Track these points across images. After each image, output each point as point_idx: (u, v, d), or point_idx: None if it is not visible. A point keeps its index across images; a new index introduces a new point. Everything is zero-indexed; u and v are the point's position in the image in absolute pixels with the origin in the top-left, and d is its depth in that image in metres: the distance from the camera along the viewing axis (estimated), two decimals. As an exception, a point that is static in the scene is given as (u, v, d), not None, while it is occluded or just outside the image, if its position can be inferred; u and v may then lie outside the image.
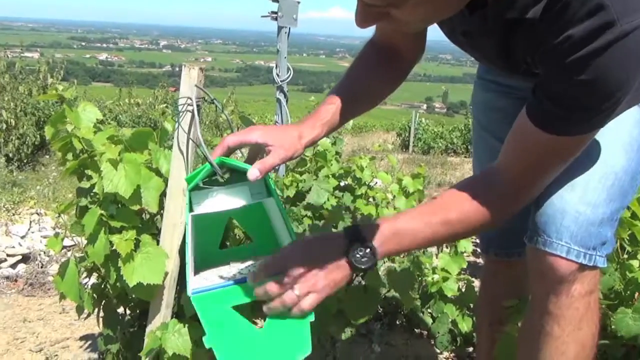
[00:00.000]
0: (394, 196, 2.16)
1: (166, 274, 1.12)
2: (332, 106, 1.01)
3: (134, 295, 1.15)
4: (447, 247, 2.33)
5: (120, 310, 1.35)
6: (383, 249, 0.84)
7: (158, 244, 1.16)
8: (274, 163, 0.90)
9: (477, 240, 1.45)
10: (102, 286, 1.28)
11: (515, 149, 0.85)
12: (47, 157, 6.58)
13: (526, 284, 0.94)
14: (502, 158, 0.88)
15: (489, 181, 0.87)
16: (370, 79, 1.05)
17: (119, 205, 1.12)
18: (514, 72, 0.89)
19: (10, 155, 6.18)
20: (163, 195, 1.12)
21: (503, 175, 0.85)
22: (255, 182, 0.94)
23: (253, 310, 1.01)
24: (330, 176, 2.03)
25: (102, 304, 1.31)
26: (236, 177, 0.99)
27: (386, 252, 0.85)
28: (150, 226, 1.17)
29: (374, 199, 2.17)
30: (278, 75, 1.88)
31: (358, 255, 0.82)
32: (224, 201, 0.97)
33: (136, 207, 1.10)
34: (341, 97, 1.02)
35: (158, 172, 1.14)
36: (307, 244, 0.84)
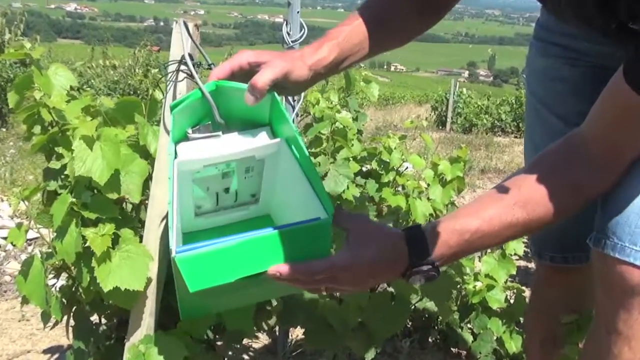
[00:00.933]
0: (428, 184, 2.15)
1: (149, 279, 1.13)
2: (347, 28, 1.00)
3: (110, 302, 1.16)
4: (491, 248, 2.32)
5: (95, 318, 1.36)
6: (445, 262, 0.89)
7: (141, 240, 1.17)
8: (272, 77, 0.91)
9: (529, 241, 1.44)
10: (73, 289, 1.29)
11: (607, 116, 0.85)
12: (4, 130, 6.62)
13: (589, 296, 0.97)
14: (590, 127, 0.88)
15: (574, 155, 0.88)
16: (403, 2, 1.04)
17: (94, 192, 1.13)
18: (603, 29, 0.86)
19: (-43, 127, 6.24)
20: (150, 180, 1.13)
21: (592, 147, 0.86)
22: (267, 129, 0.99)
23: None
24: (351, 159, 2.02)
25: (73, 310, 1.32)
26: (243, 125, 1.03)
27: (447, 263, 0.90)
28: (131, 219, 1.18)
29: (403, 187, 2.17)
30: (289, 34, 1.85)
31: (418, 279, 0.89)
32: (221, 148, 1.00)
33: (115, 196, 1.11)
34: (363, 18, 1.01)
35: (145, 153, 1.14)
36: (373, 267, 0.87)
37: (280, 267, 0.84)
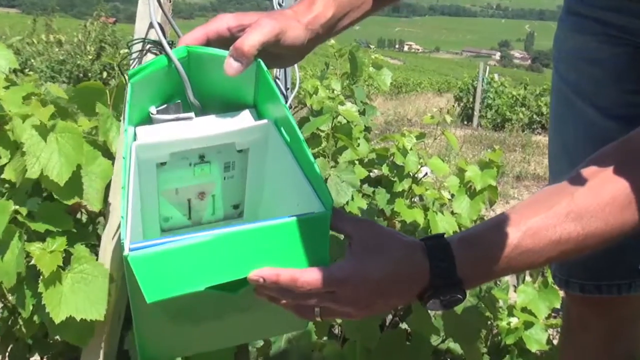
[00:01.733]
0: (452, 195, 2.16)
1: (109, 308, 1.14)
2: None
3: (58, 338, 1.16)
4: (530, 276, 2.33)
5: (36, 359, 1.36)
6: (474, 283, 0.88)
7: (98, 258, 1.17)
8: (262, 39, 0.90)
9: (551, 267, 1.45)
10: (10, 322, 1.29)
11: None
12: None
13: (635, 339, 0.96)
14: None
15: (636, 161, 0.87)
16: None
17: (42, 200, 1.14)
18: None
19: None
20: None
21: None
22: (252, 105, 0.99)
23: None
24: (357, 162, 2.03)
25: (9, 349, 1.32)
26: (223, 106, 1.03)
27: (476, 285, 0.91)
28: (87, 233, 1.19)
29: (421, 198, 2.17)
30: (281, 5, 1.87)
31: (439, 303, 0.87)
32: (192, 132, 0.99)
33: (71, 202, 1.12)
34: None
35: (106, 152, 1.15)
36: (383, 283, 0.85)
37: (263, 271, 0.82)
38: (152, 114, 1.00)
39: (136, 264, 0.78)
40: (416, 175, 2.16)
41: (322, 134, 2.03)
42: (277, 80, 1.97)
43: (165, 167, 1.00)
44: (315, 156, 1.98)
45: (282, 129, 0.97)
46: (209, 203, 1.10)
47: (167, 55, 0.95)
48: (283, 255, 0.83)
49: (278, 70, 2.27)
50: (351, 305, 0.85)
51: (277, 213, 1.03)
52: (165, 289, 0.79)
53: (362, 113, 2.20)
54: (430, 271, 0.85)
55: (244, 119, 1.02)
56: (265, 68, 0.94)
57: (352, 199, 1.91)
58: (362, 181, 2.06)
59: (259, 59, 0.93)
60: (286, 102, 1.82)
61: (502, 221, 0.87)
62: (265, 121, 1.00)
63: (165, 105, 1.00)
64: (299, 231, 0.83)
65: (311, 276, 0.82)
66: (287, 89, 1.84)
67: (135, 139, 0.97)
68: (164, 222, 1.10)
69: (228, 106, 1.04)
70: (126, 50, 1.15)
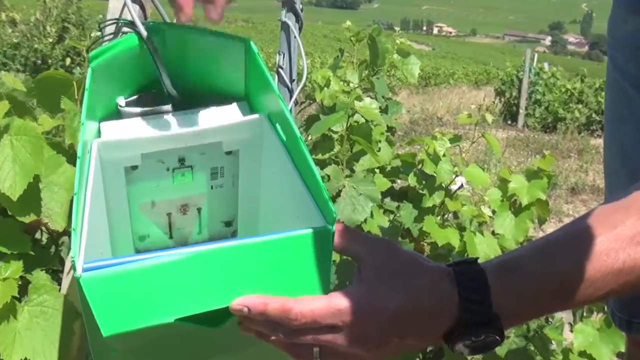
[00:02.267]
0: (494, 211, 2.15)
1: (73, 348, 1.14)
2: None
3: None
4: (589, 311, 2.32)
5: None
6: (514, 322, 0.87)
7: (61, 288, 1.17)
8: None
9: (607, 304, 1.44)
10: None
11: None
12: None
13: None
14: None
15: None
16: None
17: (-7, 216, 1.14)
18: None
19: None
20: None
21: None
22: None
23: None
24: (377, 171, 2.03)
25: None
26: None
27: (517, 324, 0.89)
28: (49, 256, 1.19)
29: (456, 215, 2.16)
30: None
31: (469, 345, 0.85)
32: (169, 128, 0.99)
33: (28, 219, 1.12)
34: None
35: (72, 158, 1.15)
36: (399, 317, 0.84)
37: (249, 299, 0.80)
38: (120, 106, 1.00)
39: (90, 288, 0.75)
40: (450, 188, 2.16)
41: (335, 136, 2.04)
42: (280, 69, 1.97)
43: (138, 173, 1.00)
44: (326, 163, 1.98)
45: (277, 125, 0.97)
46: (194, 219, 1.10)
47: (137, 33, 0.94)
48: (274, 280, 0.81)
49: (282, 57, 2.27)
50: (359, 344, 0.83)
51: (276, 230, 1.04)
52: (127, 319, 0.76)
53: (383, 110, 2.21)
54: (460, 304, 0.83)
55: (232, 114, 1.02)
56: (256, 50, 0.94)
57: (372, 215, 1.91)
58: (384, 194, 2.07)
59: (250, 40, 0.93)
60: (291, 96, 1.82)
61: (552, 244, 0.86)
62: (256, 116, 1.00)
63: (136, 96, 1.01)
64: (293, 251, 0.81)
65: (308, 306, 0.80)
66: (292, 81, 1.84)
67: (99, 136, 0.97)
68: (139, 242, 1.09)
69: (214, 98, 1.04)
70: (98, 33, 1.15)
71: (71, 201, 1.15)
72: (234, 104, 1.03)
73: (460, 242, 2.05)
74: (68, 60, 9.10)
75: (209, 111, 1.02)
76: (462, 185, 2.34)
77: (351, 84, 2.12)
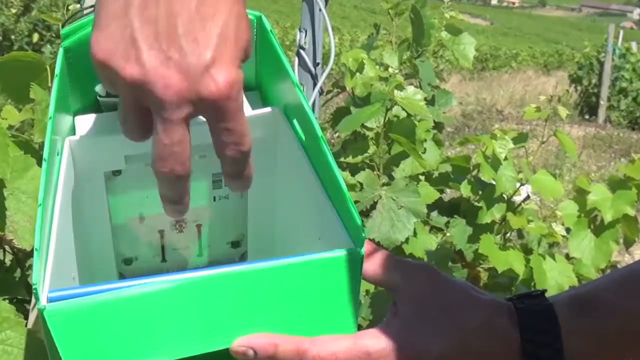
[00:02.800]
0: (568, 230, 2.14)
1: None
2: None
3: None
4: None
5: None
6: None
7: (27, 318, 1.17)
8: None
9: None
10: None
11: None
12: None
13: None
14: None
15: None
16: None
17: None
18: None
19: None
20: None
21: None
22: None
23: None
24: (422, 178, 2.02)
25: None
26: None
27: None
28: (13, 282, 1.20)
29: (520, 234, 2.15)
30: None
31: None
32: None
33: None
34: None
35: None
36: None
37: (255, 339, 0.79)
38: (99, 96, 0.98)
39: (56, 322, 0.74)
40: (513, 199, 2.16)
41: (370, 134, 2.04)
42: (301, 50, 1.96)
43: (121, 180, 0.99)
44: (359, 168, 1.97)
45: (294, 121, 0.96)
46: (192, 237, 1.09)
47: None
48: (286, 316, 0.81)
49: (303, 35, 2.26)
50: None
51: (294, 253, 1.02)
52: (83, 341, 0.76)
53: (430, 102, 2.20)
54: (522, 349, 0.83)
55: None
56: (268, 26, 0.93)
57: (415, 234, 1.91)
58: (431, 207, 2.07)
59: (261, 14, 0.93)
60: (315, 84, 1.81)
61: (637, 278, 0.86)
62: (268, 110, 0.98)
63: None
64: (312, 279, 0.81)
65: (328, 347, 0.80)
66: (316, 65, 1.83)
67: (73, 133, 0.96)
68: (124, 265, 1.09)
69: None
70: (76, 6, 1.14)
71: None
72: (244, 99, 1.01)
73: (526, 268, 2.06)
74: (36, 36, 9.11)
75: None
76: (528, 197, 2.33)
77: (390, 69, 2.10)
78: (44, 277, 0.75)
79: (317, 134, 0.85)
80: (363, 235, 0.80)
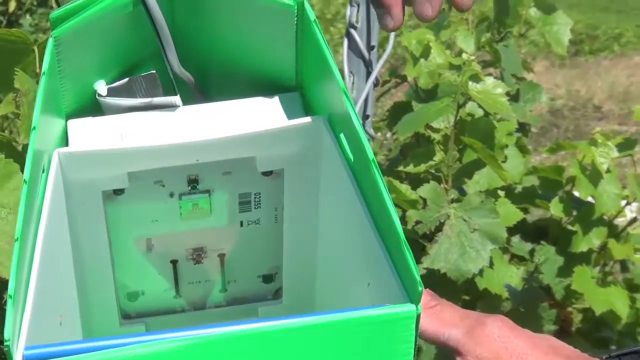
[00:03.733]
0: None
1: None
2: None
3: None
4: None
5: None
6: None
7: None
8: None
9: None
10: None
11: None
12: None
13: None
14: None
15: None
16: None
17: None
18: None
19: None
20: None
21: None
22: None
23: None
24: (502, 194, 2.03)
25: None
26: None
27: None
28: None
29: (625, 266, 2.15)
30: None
31: None
32: (174, 132, 0.98)
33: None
34: None
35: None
36: None
37: None
38: (99, 95, 0.99)
39: None
40: (616, 222, 2.15)
41: (437, 137, 2.04)
42: (351, 30, 1.96)
43: (124, 200, 1.00)
44: (422, 179, 1.97)
45: (342, 135, 0.96)
46: (214, 269, 1.10)
47: None
48: None
49: (354, 10, 2.26)
50: None
51: (340, 299, 1.03)
52: None
53: (513, 97, 2.19)
54: None
55: (273, 113, 1.02)
56: (312, 15, 0.93)
57: (491, 264, 1.90)
58: (512, 230, 2.06)
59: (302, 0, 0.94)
60: (368, 73, 1.81)
61: None
62: (308, 120, 0.98)
63: (125, 80, 1.00)
64: (357, 340, 0.81)
65: None
66: (370, 49, 1.83)
67: (65, 142, 0.98)
68: (127, 301, 1.10)
69: (247, 86, 1.04)
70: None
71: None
72: (277, 97, 1.03)
73: (631, 309, 2.05)
74: (12, 5, 9.18)
75: (238, 107, 1.01)
76: (635, 219, 2.32)
77: (464, 54, 2.10)
78: (19, 331, 0.76)
79: (368, 156, 0.86)
80: (420, 289, 0.80)
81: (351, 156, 0.93)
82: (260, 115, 1.01)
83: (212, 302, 1.13)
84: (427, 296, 0.91)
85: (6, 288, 1.28)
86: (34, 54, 1.25)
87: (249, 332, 0.78)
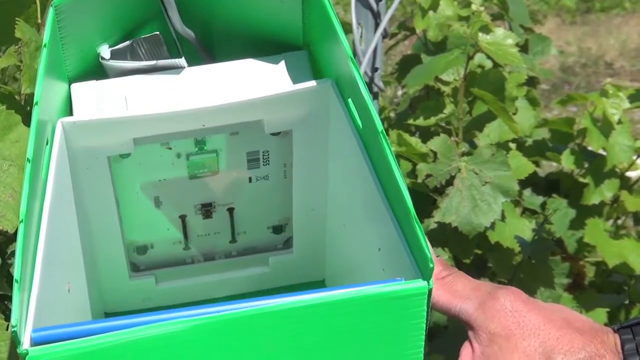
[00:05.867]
0: None
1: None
2: None
3: None
4: None
5: None
6: None
7: (8, 320, 1.18)
8: None
9: None
10: None
11: None
12: None
13: None
14: None
15: None
16: None
17: None
18: None
19: None
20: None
21: None
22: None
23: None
24: (513, 146, 2.05)
25: None
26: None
27: None
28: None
29: (637, 220, 2.15)
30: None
31: None
32: (179, 96, 0.99)
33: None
34: None
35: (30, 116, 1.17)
36: None
37: None
38: (102, 58, 0.99)
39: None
40: (628, 175, 2.17)
41: (447, 90, 2.04)
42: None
43: (130, 161, 1.01)
44: (432, 133, 1.96)
45: (350, 101, 0.96)
46: (223, 222, 1.11)
47: None
48: (340, 357, 0.84)
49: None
50: None
51: (347, 270, 1.06)
52: None
53: (522, 50, 2.18)
54: None
55: (279, 75, 1.02)
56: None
57: (503, 218, 1.90)
58: (523, 183, 2.07)
59: None
60: (377, 24, 1.80)
61: None
62: (315, 83, 0.99)
63: (128, 42, 1.00)
64: (367, 318, 0.82)
65: None
66: (378, 0, 1.82)
67: (68, 107, 0.98)
68: (137, 255, 1.11)
69: (253, 45, 1.04)
70: None
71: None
72: (284, 57, 1.03)
73: None
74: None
75: (244, 68, 1.02)
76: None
77: (472, 6, 2.09)
78: (26, 314, 0.76)
79: (377, 127, 0.87)
80: (431, 266, 0.81)
81: (360, 123, 0.94)
82: (267, 77, 1.01)
83: (222, 253, 1.14)
84: (439, 266, 0.91)
85: (9, 242, 1.28)
86: (35, 5, 1.25)
87: (264, 310, 0.78)
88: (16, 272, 0.76)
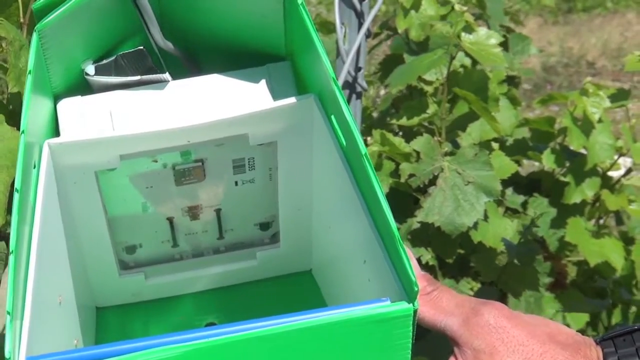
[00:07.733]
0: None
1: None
2: None
3: None
4: None
5: None
6: None
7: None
8: None
9: None
10: None
11: None
12: None
13: None
14: None
15: None
16: None
17: None
18: None
19: None
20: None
21: None
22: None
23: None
24: (495, 146, 2.07)
25: None
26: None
27: None
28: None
29: (619, 218, 2.16)
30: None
31: None
32: (163, 112, 1.00)
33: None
34: None
35: (16, 114, 1.16)
36: None
37: None
38: (87, 74, 1.00)
39: None
40: (609, 174, 2.17)
41: (429, 90, 2.05)
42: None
43: (117, 174, 1.02)
44: (415, 132, 1.97)
45: (332, 118, 0.97)
46: (210, 222, 1.12)
47: None
48: None
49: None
50: None
51: (337, 250, 1.07)
52: None
53: (503, 47, 2.18)
54: None
55: (263, 88, 1.03)
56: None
57: (486, 217, 1.91)
58: (506, 183, 2.08)
59: None
60: (360, 24, 1.81)
61: None
62: (298, 98, 1.00)
63: (112, 58, 1.01)
64: (353, 339, 0.83)
65: None
66: (361, 0, 1.82)
67: (54, 127, 0.98)
68: (126, 254, 1.12)
69: (237, 55, 1.05)
70: None
71: (12, 185, 1.16)
72: (267, 68, 1.04)
73: (625, 261, 2.05)
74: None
75: (228, 81, 1.03)
76: (630, 170, 2.32)
77: (456, 6, 2.10)
78: (19, 344, 0.76)
79: (360, 150, 0.88)
80: (416, 290, 0.83)
81: (344, 142, 0.95)
82: (250, 90, 1.02)
83: (211, 249, 1.15)
84: (423, 282, 0.92)
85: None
86: (17, 3, 1.25)
87: (255, 334, 0.79)
88: (8, 304, 0.76)
